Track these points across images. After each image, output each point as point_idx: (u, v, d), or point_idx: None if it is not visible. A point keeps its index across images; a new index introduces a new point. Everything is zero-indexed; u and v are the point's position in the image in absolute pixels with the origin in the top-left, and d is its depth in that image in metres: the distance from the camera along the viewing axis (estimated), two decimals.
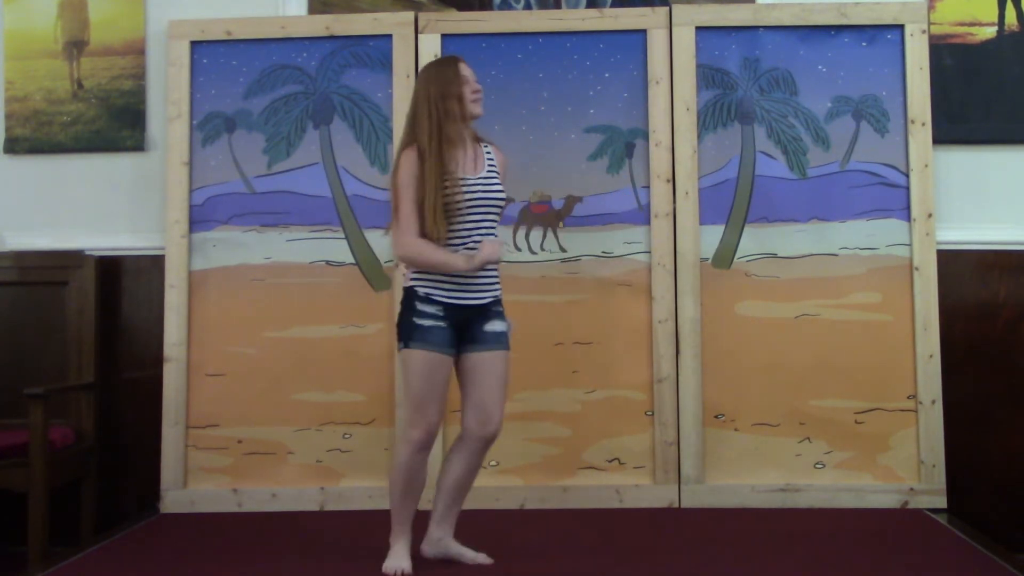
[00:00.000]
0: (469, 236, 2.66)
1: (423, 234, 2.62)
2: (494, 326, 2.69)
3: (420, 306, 2.65)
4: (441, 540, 2.75)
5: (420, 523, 2.78)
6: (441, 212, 2.60)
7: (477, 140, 2.78)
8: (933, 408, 3.44)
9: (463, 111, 2.69)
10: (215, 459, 3.53)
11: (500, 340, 2.69)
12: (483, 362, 2.67)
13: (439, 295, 2.65)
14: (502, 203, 2.74)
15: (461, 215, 2.64)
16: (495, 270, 2.73)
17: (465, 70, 2.72)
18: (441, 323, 2.64)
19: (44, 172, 3.78)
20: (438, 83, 2.68)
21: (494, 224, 2.71)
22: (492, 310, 2.71)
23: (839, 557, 2.82)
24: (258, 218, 3.61)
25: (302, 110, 3.65)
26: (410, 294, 2.68)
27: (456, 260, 2.62)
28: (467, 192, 2.64)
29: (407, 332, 2.66)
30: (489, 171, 2.73)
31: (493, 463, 3.48)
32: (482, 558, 2.74)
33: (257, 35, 3.64)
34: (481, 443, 2.69)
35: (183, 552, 2.98)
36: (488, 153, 2.77)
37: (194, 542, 3.09)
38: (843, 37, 3.57)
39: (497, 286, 2.74)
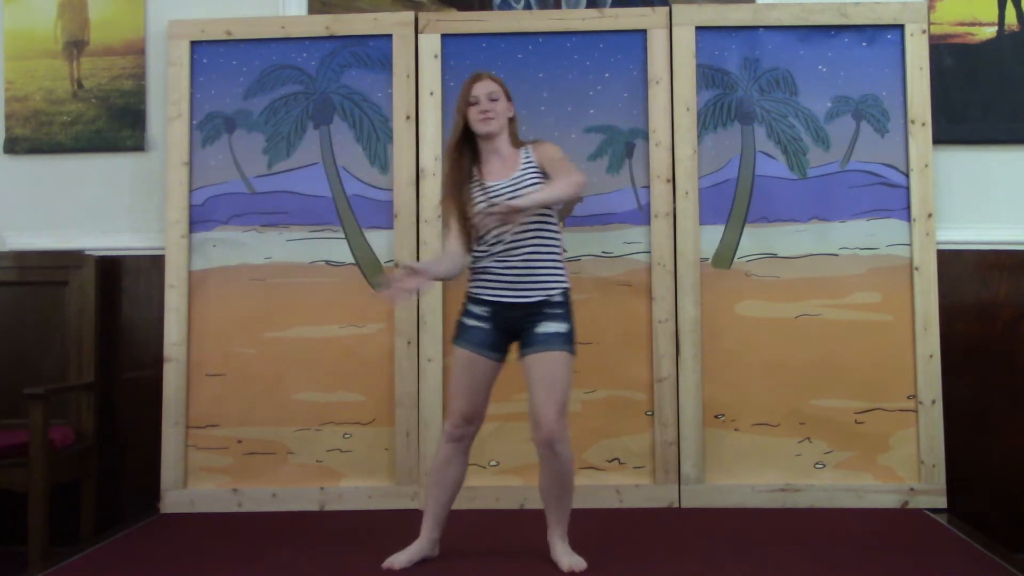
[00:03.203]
0: (498, 238, 2.67)
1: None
2: (546, 327, 2.66)
3: (469, 306, 2.74)
4: (551, 541, 2.76)
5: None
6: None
7: (517, 145, 2.80)
8: (933, 408, 3.44)
9: (471, 126, 2.75)
10: (215, 459, 3.53)
11: (550, 341, 2.65)
12: (528, 365, 2.67)
13: (487, 295, 2.70)
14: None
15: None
16: (547, 268, 2.69)
17: (478, 88, 2.73)
18: (484, 324, 2.70)
19: (44, 172, 3.78)
20: (459, 97, 2.77)
21: (533, 221, 2.68)
22: (545, 312, 2.67)
23: (839, 557, 2.82)
24: (258, 218, 3.61)
25: (302, 110, 3.65)
26: (466, 297, 2.76)
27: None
28: (489, 197, 2.67)
29: (455, 331, 2.76)
30: (519, 173, 2.72)
31: (493, 463, 3.48)
32: (577, 563, 2.69)
33: (257, 35, 3.64)
34: (540, 447, 2.67)
35: (183, 552, 2.98)
36: (526, 156, 2.77)
37: (194, 542, 3.09)
38: (843, 37, 3.57)
39: (552, 285, 2.69)
